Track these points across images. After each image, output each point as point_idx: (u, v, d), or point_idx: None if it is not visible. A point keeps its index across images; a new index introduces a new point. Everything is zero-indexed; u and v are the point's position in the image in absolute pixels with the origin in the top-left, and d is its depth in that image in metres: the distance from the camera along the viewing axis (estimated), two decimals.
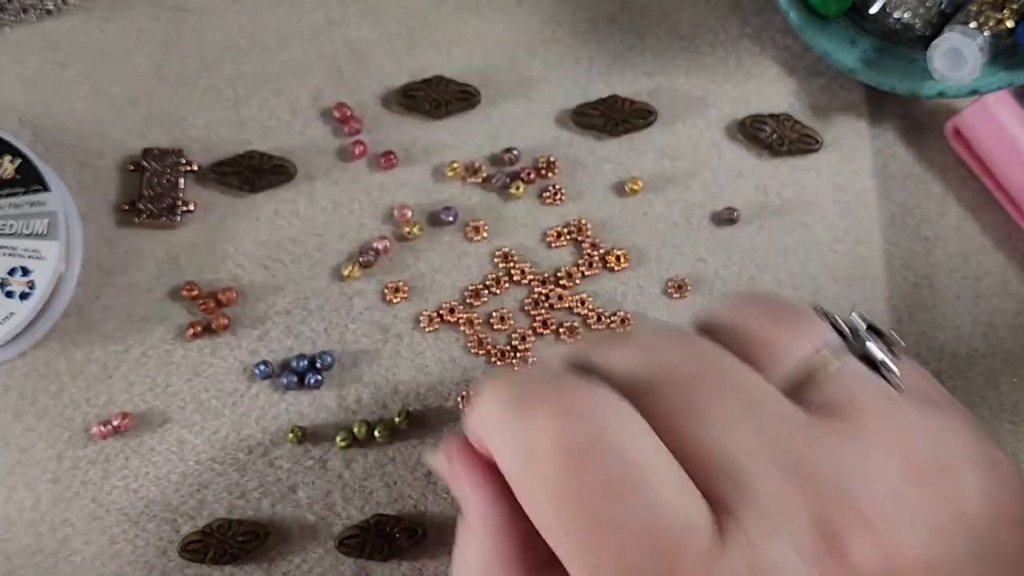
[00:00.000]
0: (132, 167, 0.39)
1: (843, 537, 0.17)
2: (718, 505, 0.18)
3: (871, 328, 0.22)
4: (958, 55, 0.35)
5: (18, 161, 0.37)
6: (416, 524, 0.36)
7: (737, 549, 0.17)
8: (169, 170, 0.38)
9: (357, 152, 0.39)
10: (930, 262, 0.39)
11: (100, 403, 0.37)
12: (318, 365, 0.37)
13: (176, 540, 0.36)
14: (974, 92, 0.37)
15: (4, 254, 0.36)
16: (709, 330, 0.21)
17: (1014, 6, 0.36)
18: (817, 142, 0.40)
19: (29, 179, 0.37)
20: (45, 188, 0.37)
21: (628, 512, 0.17)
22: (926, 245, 0.39)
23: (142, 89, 0.40)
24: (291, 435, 0.36)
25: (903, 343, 0.22)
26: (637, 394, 0.19)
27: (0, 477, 0.36)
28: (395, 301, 0.38)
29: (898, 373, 0.21)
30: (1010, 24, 0.36)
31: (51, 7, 0.40)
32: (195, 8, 0.41)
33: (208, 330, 0.37)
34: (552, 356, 0.22)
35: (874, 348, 0.21)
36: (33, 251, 0.36)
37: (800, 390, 0.20)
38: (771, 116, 0.40)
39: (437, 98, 0.40)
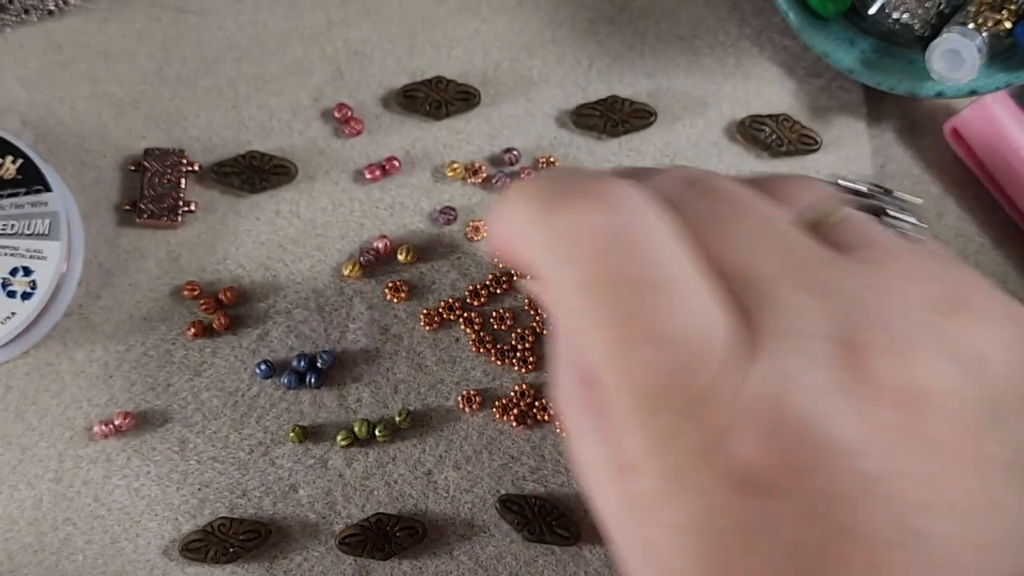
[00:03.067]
0: (133, 167, 0.39)
1: (866, 353, 0.17)
2: (744, 318, 0.17)
3: (880, 188, 0.22)
4: (957, 56, 0.36)
5: (20, 161, 0.37)
6: (416, 523, 0.36)
7: (760, 359, 0.17)
8: (170, 170, 0.39)
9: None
10: None
11: (101, 402, 0.37)
12: (319, 364, 0.37)
13: (177, 539, 0.36)
14: (973, 93, 0.37)
15: (6, 254, 0.36)
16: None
17: (1012, 7, 0.36)
18: (816, 142, 0.40)
19: (31, 179, 0.37)
20: (47, 188, 0.37)
21: (656, 310, 0.17)
22: None
23: (143, 89, 0.40)
24: (292, 434, 0.36)
25: (919, 201, 0.21)
26: (671, 206, 0.19)
27: (2, 476, 0.36)
28: (395, 301, 0.38)
29: (911, 223, 0.21)
30: (1008, 25, 0.36)
31: (52, 7, 0.40)
32: (196, 9, 0.41)
33: (209, 330, 0.38)
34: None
35: (887, 201, 0.21)
36: (35, 251, 0.36)
37: (814, 232, 0.19)
38: (770, 116, 0.40)
39: (437, 99, 0.40)
